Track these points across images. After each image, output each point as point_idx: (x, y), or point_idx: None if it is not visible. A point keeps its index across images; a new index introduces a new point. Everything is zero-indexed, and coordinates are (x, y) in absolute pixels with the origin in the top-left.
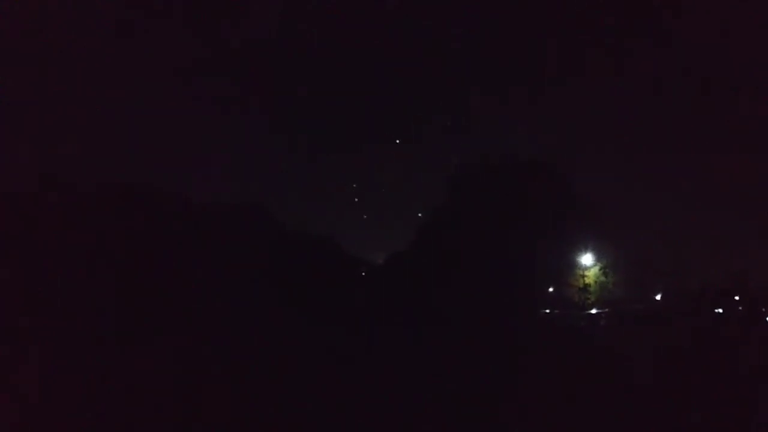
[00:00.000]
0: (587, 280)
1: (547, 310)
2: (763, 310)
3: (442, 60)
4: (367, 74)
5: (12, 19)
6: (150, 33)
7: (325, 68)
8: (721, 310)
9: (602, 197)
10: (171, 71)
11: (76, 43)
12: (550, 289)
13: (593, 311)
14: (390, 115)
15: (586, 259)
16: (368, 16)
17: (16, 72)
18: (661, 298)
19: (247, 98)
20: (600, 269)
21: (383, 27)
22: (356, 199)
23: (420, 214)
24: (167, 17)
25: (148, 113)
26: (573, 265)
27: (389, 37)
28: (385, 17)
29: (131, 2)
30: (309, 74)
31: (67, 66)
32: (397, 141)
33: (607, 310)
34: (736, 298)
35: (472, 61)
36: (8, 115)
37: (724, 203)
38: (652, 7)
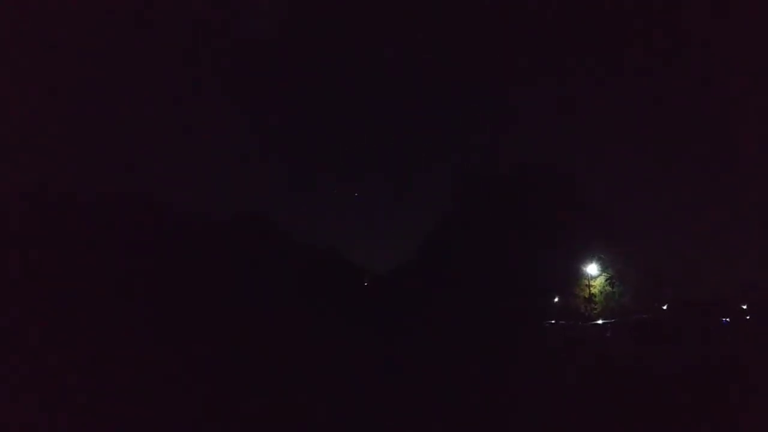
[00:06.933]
0: (593, 290)
1: (552, 321)
2: None
3: (445, 63)
4: (371, 81)
5: (14, 23)
6: (151, 41)
7: (327, 76)
8: (728, 320)
9: (609, 205)
10: (174, 79)
11: (75, 48)
12: (555, 299)
13: (599, 322)
14: (393, 124)
15: (592, 268)
16: (370, 21)
17: (18, 77)
18: (668, 308)
19: (249, 106)
20: (606, 279)
21: (386, 33)
22: (359, 208)
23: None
24: (170, 25)
25: (149, 123)
26: (579, 275)
27: (391, 41)
28: (388, 22)
29: (136, 8)
30: (312, 82)
31: (67, 73)
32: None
33: (613, 320)
34: (744, 307)
35: (476, 64)
36: (10, 119)
37: (733, 212)
38: (656, 9)
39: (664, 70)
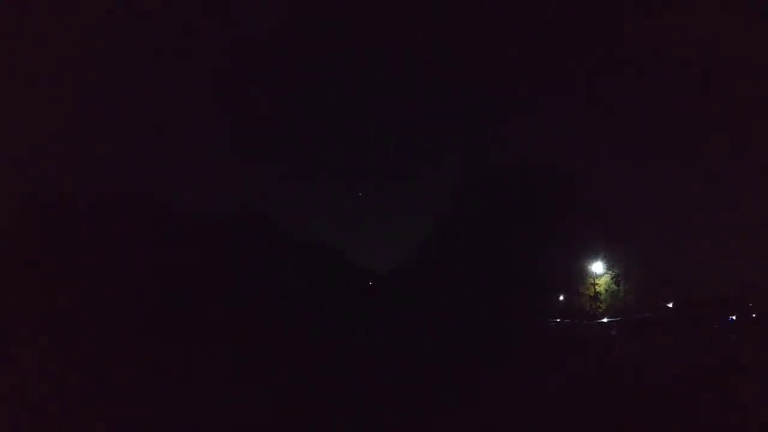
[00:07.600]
0: (598, 288)
1: (557, 320)
2: None
3: (445, 63)
4: (371, 81)
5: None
6: (150, 38)
7: (327, 76)
8: (734, 317)
9: (614, 204)
10: (174, 78)
11: (74, 46)
12: (560, 298)
13: (604, 320)
14: (393, 124)
15: (597, 266)
16: (370, 21)
17: (17, 77)
18: (674, 306)
19: (249, 105)
20: (611, 277)
21: (386, 33)
22: (361, 208)
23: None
24: (170, 25)
25: (149, 123)
26: (583, 273)
27: (392, 41)
28: (388, 22)
29: (133, 12)
30: (311, 82)
31: (67, 72)
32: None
33: (618, 318)
34: (750, 305)
35: (476, 64)
36: (9, 119)
37: (739, 211)
38: (655, 8)
39: (664, 70)
